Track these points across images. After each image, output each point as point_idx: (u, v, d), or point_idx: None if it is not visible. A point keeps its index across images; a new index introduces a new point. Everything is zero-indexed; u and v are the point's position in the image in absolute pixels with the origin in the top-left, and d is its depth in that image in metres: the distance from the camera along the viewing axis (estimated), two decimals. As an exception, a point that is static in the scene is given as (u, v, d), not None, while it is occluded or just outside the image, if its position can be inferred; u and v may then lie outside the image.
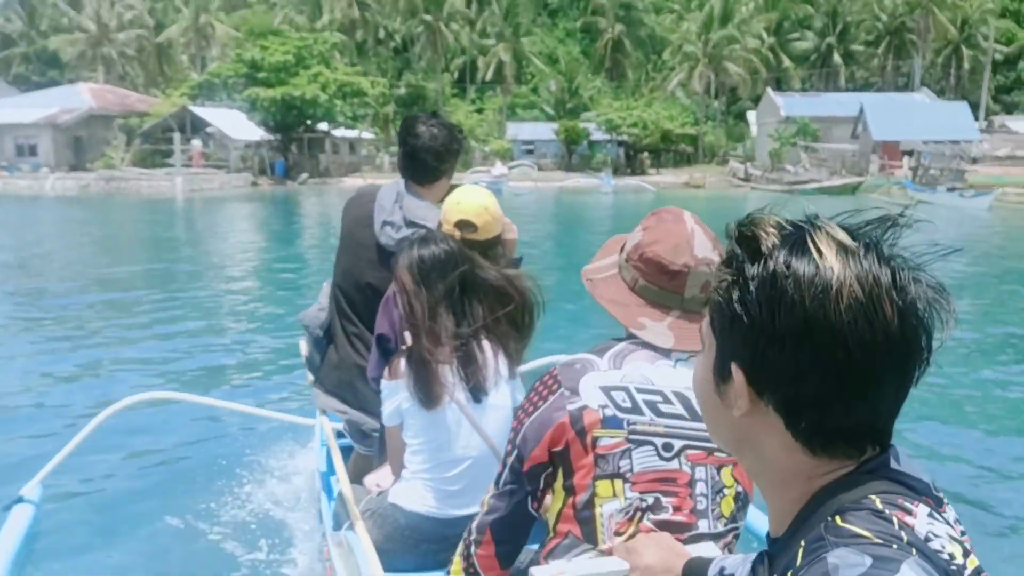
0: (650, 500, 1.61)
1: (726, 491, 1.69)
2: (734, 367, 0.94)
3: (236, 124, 48.60)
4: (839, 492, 0.90)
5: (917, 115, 49.49)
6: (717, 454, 1.66)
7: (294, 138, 52.75)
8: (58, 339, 8.90)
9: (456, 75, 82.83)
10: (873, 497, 0.88)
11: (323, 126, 53.25)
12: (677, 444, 1.63)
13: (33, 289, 12.54)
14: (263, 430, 5.51)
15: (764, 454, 0.97)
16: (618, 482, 1.60)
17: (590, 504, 1.61)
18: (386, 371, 2.60)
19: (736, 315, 0.91)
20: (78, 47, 65.90)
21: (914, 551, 0.82)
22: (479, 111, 73.40)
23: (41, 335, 9.13)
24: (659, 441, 1.62)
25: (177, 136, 44.63)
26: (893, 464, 0.93)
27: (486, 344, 2.54)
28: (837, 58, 76.84)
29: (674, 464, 1.63)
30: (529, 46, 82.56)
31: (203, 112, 48.18)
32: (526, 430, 1.65)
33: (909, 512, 0.87)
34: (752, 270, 0.90)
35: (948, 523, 0.90)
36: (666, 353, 1.68)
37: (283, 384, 6.87)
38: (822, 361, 0.87)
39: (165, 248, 19.72)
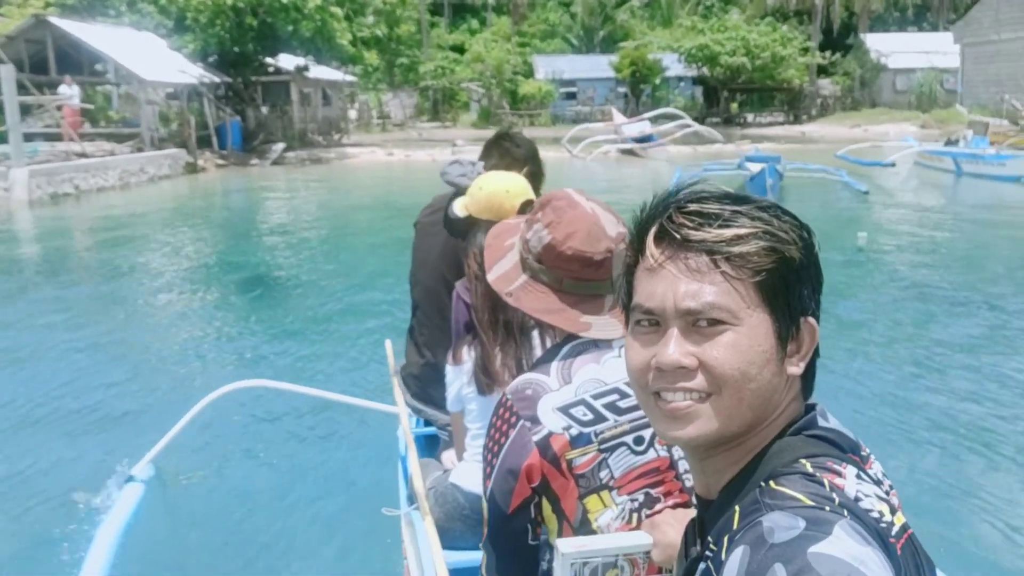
0: (640, 498, 1.63)
1: None
2: (811, 321, 0.97)
3: (151, 56, 25.98)
4: (772, 456, 0.94)
5: None
6: None
7: (249, 81, 30.84)
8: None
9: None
10: (804, 461, 0.92)
11: (290, 61, 31.58)
12: (647, 434, 1.63)
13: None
14: (356, 417, 5.61)
15: (767, 412, 0.97)
16: (604, 493, 1.61)
17: (585, 521, 1.62)
18: (450, 356, 2.66)
19: (796, 272, 0.94)
20: None
21: (846, 512, 0.84)
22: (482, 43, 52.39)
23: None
24: (629, 439, 1.62)
25: (8, 71, 18.73)
26: (821, 421, 0.97)
27: (535, 334, 2.59)
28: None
29: (650, 455, 1.63)
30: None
31: (82, 31, 24.73)
32: (498, 474, 1.63)
33: (838, 474, 0.90)
34: (785, 226, 0.94)
35: (875, 481, 0.94)
36: (608, 344, 1.68)
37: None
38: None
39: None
